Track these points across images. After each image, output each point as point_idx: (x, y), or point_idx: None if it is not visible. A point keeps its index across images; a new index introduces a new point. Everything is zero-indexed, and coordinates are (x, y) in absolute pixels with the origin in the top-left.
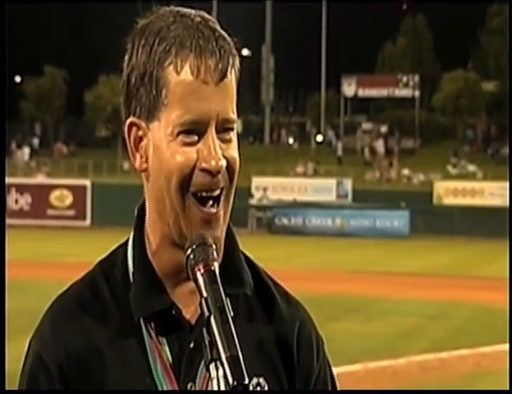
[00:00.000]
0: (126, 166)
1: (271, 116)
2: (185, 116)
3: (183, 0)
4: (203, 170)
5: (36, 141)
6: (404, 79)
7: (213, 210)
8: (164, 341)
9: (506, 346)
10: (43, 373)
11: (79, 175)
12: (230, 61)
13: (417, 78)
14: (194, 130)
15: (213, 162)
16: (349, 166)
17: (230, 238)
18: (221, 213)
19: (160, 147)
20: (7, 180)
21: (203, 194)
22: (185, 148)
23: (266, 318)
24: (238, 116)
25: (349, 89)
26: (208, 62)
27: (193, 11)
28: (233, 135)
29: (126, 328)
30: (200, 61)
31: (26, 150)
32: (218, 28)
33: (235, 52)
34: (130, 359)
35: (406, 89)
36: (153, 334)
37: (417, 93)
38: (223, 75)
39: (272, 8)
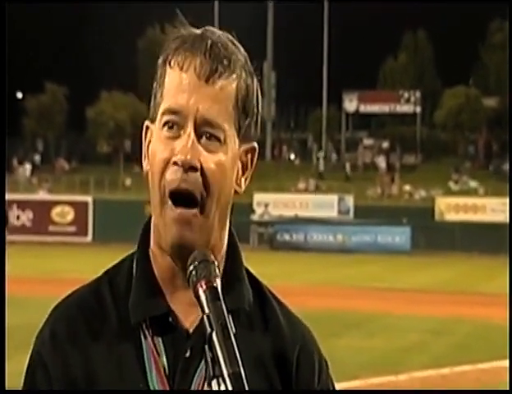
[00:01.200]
0: (128, 182)
1: (272, 132)
2: (165, 105)
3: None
4: (174, 163)
5: (38, 157)
6: (406, 95)
7: (188, 212)
8: (161, 347)
9: (506, 362)
10: (41, 370)
11: (80, 191)
12: (232, 69)
13: (418, 94)
14: (175, 123)
15: (182, 156)
16: (351, 182)
17: (233, 252)
18: (198, 220)
19: (153, 143)
20: (9, 196)
21: (174, 192)
22: (166, 143)
23: (265, 334)
24: (239, 131)
25: (350, 104)
26: (195, 58)
27: (221, 32)
28: (219, 148)
29: (124, 334)
30: (188, 56)
31: (28, 166)
32: (231, 45)
33: (247, 68)
34: (125, 363)
35: (407, 104)
36: (150, 340)
37: (418, 109)
38: (209, 76)
39: (273, 24)
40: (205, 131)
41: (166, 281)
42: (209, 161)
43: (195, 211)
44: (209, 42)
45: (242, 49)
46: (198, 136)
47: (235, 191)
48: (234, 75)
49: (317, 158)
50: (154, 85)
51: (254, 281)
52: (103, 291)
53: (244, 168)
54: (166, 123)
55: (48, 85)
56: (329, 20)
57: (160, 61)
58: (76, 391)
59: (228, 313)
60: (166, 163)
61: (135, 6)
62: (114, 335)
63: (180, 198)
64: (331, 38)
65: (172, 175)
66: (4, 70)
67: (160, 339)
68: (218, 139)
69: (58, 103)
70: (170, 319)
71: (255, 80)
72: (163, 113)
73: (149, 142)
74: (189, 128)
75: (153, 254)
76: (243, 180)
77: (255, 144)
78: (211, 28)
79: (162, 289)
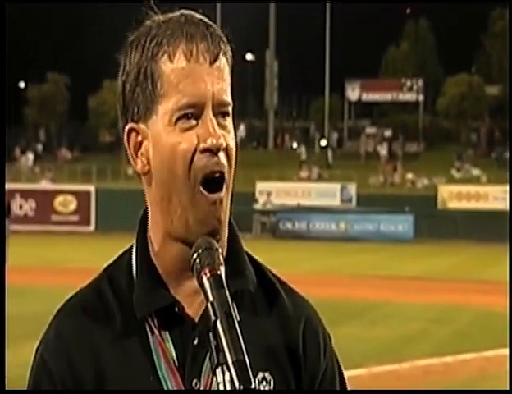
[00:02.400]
0: (130, 171)
1: (274, 120)
2: (182, 100)
3: (185, 1)
4: (204, 150)
5: (40, 147)
6: (408, 83)
7: (220, 194)
8: (168, 338)
9: (507, 350)
10: (45, 376)
11: (83, 180)
12: (222, 46)
13: (421, 82)
14: (191, 114)
15: (213, 140)
16: (354, 170)
17: (233, 236)
18: (224, 198)
19: (160, 141)
20: (12, 185)
21: (208, 176)
22: (183, 136)
23: (270, 314)
24: (234, 104)
25: (352, 93)
26: (199, 45)
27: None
28: (230, 122)
29: (129, 328)
30: (192, 46)
31: (30, 156)
32: (207, 20)
33: (225, 40)
34: (133, 358)
35: (410, 93)
36: (157, 332)
37: (421, 98)
38: (215, 57)
39: (275, 13)
40: (220, 111)
41: (172, 273)
42: (228, 138)
43: (224, 191)
44: (201, 24)
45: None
46: (216, 117)
47: None
48: (226, 50)
49: (321, 147)
50: (131, 84)
51: (255, 263)
52: (104, 289)
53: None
54: (180, 117)
55: (49, 75)
56: (331, 9)
57: (140, 59)
58: (76, 391)
59: (233, 295)
60: (193, 153)
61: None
62: (120, 331)
63: (210, 182)
64: (333, 27)
65: (204, 160)
66: (4, 59)
67: (167, 330)
68: (228, 115)
69: (60, 93)
70: (176, 309)
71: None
72: (179, 107)
73: (139, 144)
74: (209, 113)
75: (155, 249)
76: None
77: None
78: (182, 10)
79: (165, 281)
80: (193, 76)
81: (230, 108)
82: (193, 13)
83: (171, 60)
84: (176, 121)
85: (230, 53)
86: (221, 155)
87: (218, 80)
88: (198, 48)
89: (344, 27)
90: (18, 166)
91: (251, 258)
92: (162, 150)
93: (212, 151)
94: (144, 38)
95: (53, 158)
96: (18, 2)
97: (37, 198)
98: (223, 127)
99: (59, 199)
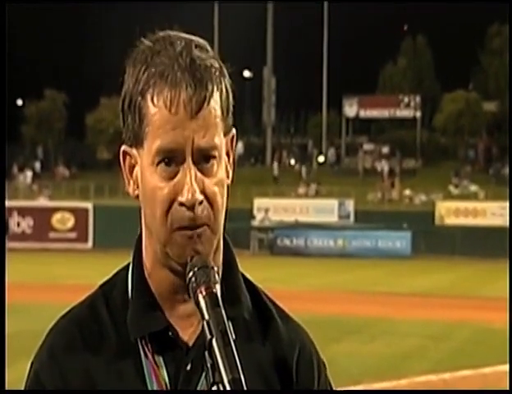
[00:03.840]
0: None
1: (272, 137)
2: (160, 145)
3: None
4: (181, 204)
5: (38, 164)
6: (406, 99)
7: (197, 230)
8: (161, 362)
9: (508, 367)
10: (40, 390)
11: (80, 197)
12: (210, 88)
13: (418, 98)
14: (171, 159)
15: (189, 196)
16: (351, 186)
17: (228, 259)
18: (205, 232)
19: (145, 177)
20: (9, 203)
21: (185, 230)
22: (164, 183)
23: (264, 340)
24: (237, 139)
25: (350, 109)
26: (182, 95)
27: (184, 36)
28: (215, 164)
29: (124, 349)
30: (174, 94)
31: (29, 173)
32: (203, 55)
33: (218, 72)
34: (126, 379)
35: (407, 109)
36: (150, 355)
37: (418, 114)
38: (198, 108)
39: (273, 30)
40: (203, 157)
41: (165, 296)
42: (211, 186)
43: (204, 227)
44: (189, 68)
45: (210, 49)
46: (197, 164)
47: (227, 186)
48: (217, 89)
49: (319, 164)
50: (125, 108)
51: (251, 286)
52: (99, 307)
53: (229, 156)
54: (161, 161)
55: (47, 92)
56: (329, 26)
57: (133, 89)
58: (76, 391)
59: (228, 319)
60: (171, 202)
61: (134, 12)
62: (113, 351)
63: (188, 232)
64: (331, 44)
65: (180, 213)
66: (4, 76)
67: (160, 353)
68: (214, 157)
69: (58, 110)
70: (170, 334)
71: (227, 75)
72: (158, 152)
73: (132, 167)
74: (189, 162)
75: (148, 271)
76: (230, 170)
77: (234, 130)
78: (176, 36)
79: (160, 303)
80: (172, 123)
81: (215, 151)
82: (191, 43)
83: (153, 103)
84: (158, 164)
85: (224, 84)
86: (200, 208)
87: (201, 127)
88: (180, 98)
89: (341, 43)
90: (16, 183)
91: (247, 281)
92: (146, 188)
93: (187, 206)
94: (139, 68)
95: (51, 175)
96: (16, 19)
97: (35, 215)
98: (206, 173)
99: (57, 217)
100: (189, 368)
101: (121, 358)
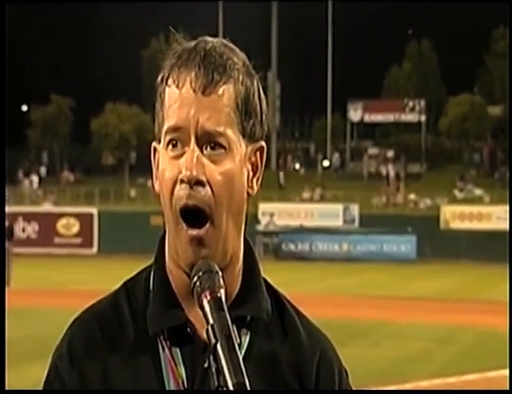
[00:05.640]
0: (133, 193)
1: (277, 141)
2: (168, 125)
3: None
4: (181, 181)
5: (43, 169)
6: (411, 103)
7: (200, 232)
8: (179, 358)
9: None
10: (57, 381)
11: (85, 203)
12: (221, 74)
13: (423, 103)
14: (178, 140)
15: (187, 172)
16: (356, 191)
17: (250, 262)
18: (208, 236)
19: (160, 163)
20: (14, 208)
21: (183, 209)
22: (172, 162)
23: (285, 344)
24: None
25: (355, 114)
26: (190, 73)
27: (216, 39)
28: (224, 155)
29: (142, 345)
30: (182, 71)
31: (35, 178)
32: (225, 50)
33: (239, 70)
34: (143, 375)
35: (412, 113)
36: (168, 351)
37: (423, 118)
38: (204, 87)
39: (277, 34)
40: (208, 142)
41: (183, 294)
42: (215, 172)
43: (207, 227)
44: (202, 53)
45: (239, 52)
46: (202, 148)
47: (248, 193)
48: (231, 80)
49: (324, 168)
50: (156, 105)
51: (272, 291)
52: (121, 303)
53: (255, 169)
54: (169, 142)
55: (52, 97)
56: (333, 29)
57: (158, 80)
58: (77, 391)
59: (247, 321)
60: (175, 182)
61: (140, 17)
62: (132, 346)
63: (191, 215)
64: (336, 48)
65: (180, 192)
66: (4, 79)
67: (178, 350)
68: (223, 147)
69: (63, 115)
70: (188, 330)
71: (256, 79)
72: (166, 132)
73: (158, 163)
74: (192, 142)
75: (168, 269)
76: (254, 180)
77: (263, 143)
78: (206, 38)
79: (180, 301)
80: (180, 102)
81: (224, 140)
82: (218, 41)
83: (167, 84)
84: (167, 145)
85: (246, 83)
86: (200, 189)
87: (208, 110)
88: (188, 75)
89: (346, 47)
90: (21, 188)
91: (268, 286)
92: (159, 173)
93: (189, 183)
94: (167, 62)
95: (56, 180)
96: (21, 24)
97: (40, 220)
98: (212, 160)
99: (62, 222)
100: (206, 365)
101: (139, 353)
